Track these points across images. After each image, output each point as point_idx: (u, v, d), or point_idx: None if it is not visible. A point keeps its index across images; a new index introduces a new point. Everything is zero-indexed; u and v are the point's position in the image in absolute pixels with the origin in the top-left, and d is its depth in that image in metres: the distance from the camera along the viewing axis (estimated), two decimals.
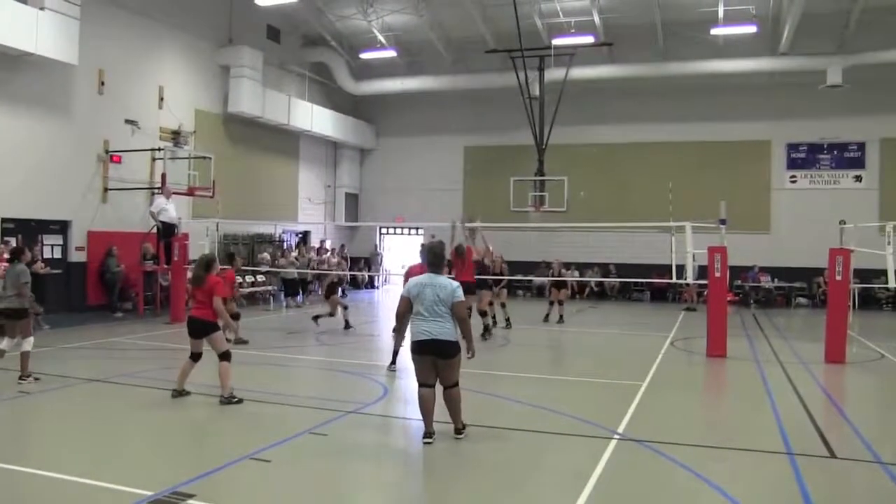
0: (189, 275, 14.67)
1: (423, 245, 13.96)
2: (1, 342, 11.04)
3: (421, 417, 8.13)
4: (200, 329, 9.97)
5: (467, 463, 7.46)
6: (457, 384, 8.13)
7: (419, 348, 8.01)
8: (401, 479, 7.23)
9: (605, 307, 26.31)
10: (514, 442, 8.33)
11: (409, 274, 13.00)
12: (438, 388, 8.09)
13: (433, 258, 8.36)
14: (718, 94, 28.25)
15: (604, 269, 28.90)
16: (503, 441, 8.33)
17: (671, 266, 16.99)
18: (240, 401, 9.64)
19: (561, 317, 20.14)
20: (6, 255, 12.57)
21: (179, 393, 9.99)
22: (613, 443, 8.14)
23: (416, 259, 13.45)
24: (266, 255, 24.60)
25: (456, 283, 8.19)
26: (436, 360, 8.00)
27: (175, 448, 8.17)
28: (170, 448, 8.13)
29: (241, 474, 6.93)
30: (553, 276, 21.23)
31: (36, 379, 10.80)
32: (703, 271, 16.00)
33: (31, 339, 11.05)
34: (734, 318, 18.92)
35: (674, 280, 17.70)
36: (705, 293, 17.96)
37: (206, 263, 10.19)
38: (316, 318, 17.84)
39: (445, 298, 7.97)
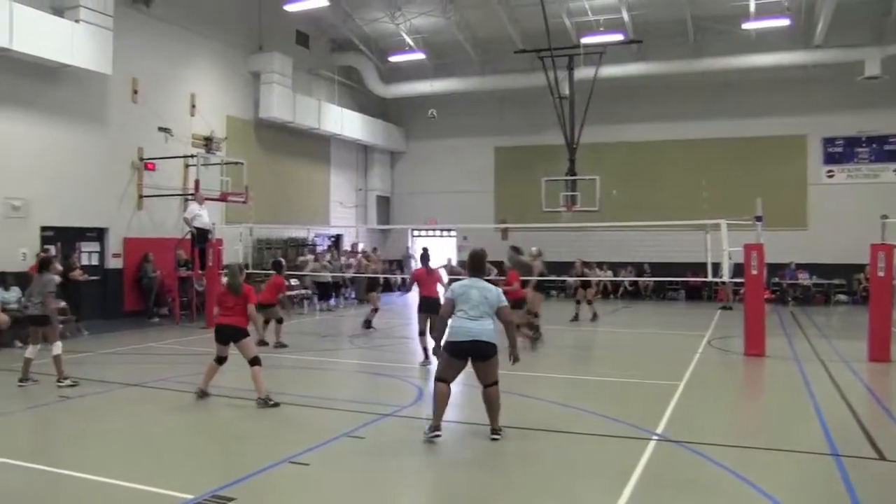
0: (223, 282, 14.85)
1: (424, 248, 14.89)
2: (26, 350, 11.36)
3: (433, 412, 8.12)
4: (230, 335, 10.09)
5: (506, 464, 7.41)
6: (496, 382, 8.11)
7: (457, 350, 7.99)
8: (440, 480, 7.19)
9: (639, 307, 26.13)
10: (553, 443, 8.26)
11: (414, 277, 14.63)
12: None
13: (476, 263, 8.48)
14: (751, 89, 27.94)
15: (638, 268, 28.65)
16: (541, 442, 8.27)
17: (706, 264, 16.84)
18: (276, 404, 9.69)
19: (594, 315, 20.04)
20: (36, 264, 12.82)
21: (203, 393, 10.15)
22: (652, 444, 8.04)
23: (432, 264, 14.58)
24: (281, 260, 24.12)
25: (499, 289, 8.25)
26: (473, 362, 8.02)
27: (214, 452, 8.20)
28: (209, 452, 8.18)
29: (280, 478, 6.93)
30: (576, 275, 21.10)
31: (74, 383, 10.97)
32: (738, 269, 15.78)
33: (59, 343, 11.30)
34: (771, 317, 18.63)
35: (709, 278, 17.52)
36: (741, 291, 17.74)
37: (240, 271, 10.32)
38: (366, 323, 18.20)
39: (492, 300, 8.05)
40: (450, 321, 8.18)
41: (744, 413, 10.63)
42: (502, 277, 15.27)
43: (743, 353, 14.40)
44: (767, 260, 14.88)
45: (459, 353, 8.00)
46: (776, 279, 26.44)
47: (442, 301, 9.57)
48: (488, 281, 8.49)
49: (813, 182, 28.06)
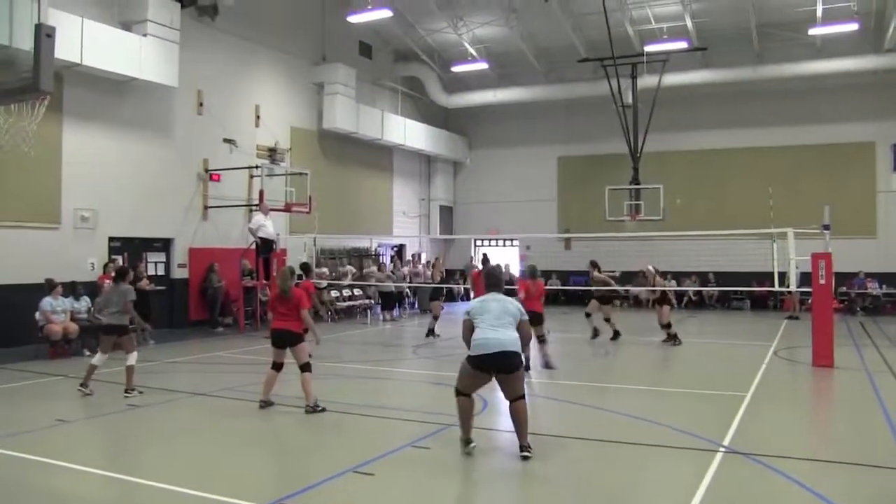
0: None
1: (484, 254, 15.91)
2: (93, 357, 11.57)
3: (460, 425, 8.03)
4: (286, 340, 10.22)
5: (573, 477, 7.34)
6: (523, 396, 7.89)
7: (481, 363, 7.75)
8: (505, 492, 7.15)
9: (703, 316, 25.75)
10: (617, 455, 8.18)
11: (473, 279, 16.07)
12: (531, 400, 8.00)
13: (493, 279, 8.44)
14: (817, 95, 27.42)
15: (702, 277, 28.25)
16: (605, 454, 8.20)
17: (773, 273, 16.54)
18: (323, 409, 9.89)
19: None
20: (113, 274, 13.12)
21: (266, 403, 10.27)
22: (719, 456, 7.89)
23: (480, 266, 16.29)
24: (325, 270, 23.77)
25: (518, 304, 8.14)
26: (497, 375, 7.81)
27: (278, 460, 8.31)
28: (273, 460, 8.29)
29: (345, 487, 6.96)
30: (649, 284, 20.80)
31: (140, 392, 11.18)
32: (805, 278, 15.45)
33: (135, 353, 11.51)
34: (840, 327, 18.21)
35: (776, 288, 17.21)
36: (808, 301, 17.36)
37: (290, 275, 10.46)
38: (429, 332, 18.46)
39: (512, 312, 7.93)
40: (473, 334, 7.93)
41: (814, 425, 10.40)
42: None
43: (811, 363, 14.08)
44: (835, 269, 14.54)
45: (483, 367, 7.77)
46: (844, 288, 25.81)
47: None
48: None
49: (882, 189, 27.30)
